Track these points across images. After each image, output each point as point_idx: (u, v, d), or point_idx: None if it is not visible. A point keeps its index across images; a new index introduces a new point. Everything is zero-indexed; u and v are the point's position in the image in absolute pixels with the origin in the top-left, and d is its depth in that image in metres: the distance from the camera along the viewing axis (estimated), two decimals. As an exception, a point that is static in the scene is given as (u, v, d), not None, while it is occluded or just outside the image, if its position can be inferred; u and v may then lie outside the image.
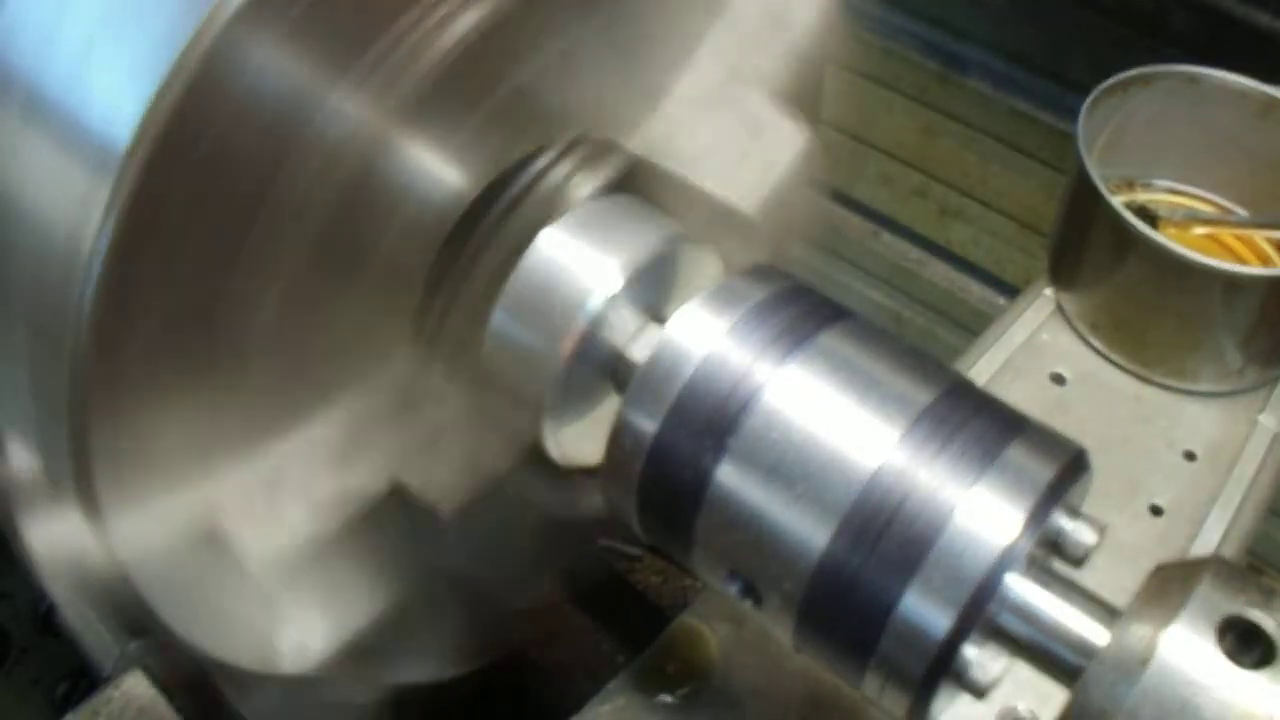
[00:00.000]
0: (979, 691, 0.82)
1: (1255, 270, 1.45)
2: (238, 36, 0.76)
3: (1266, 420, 1.45)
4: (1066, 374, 1.48)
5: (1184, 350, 1.44)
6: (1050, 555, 0.85)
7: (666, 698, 1.12)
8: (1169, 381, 1.47)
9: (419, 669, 1.23)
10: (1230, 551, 1.31)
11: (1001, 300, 2.39)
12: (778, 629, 0.89)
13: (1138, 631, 0.76)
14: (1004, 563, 0.78)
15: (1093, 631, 0.80)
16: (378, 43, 0.85)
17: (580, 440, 1.01)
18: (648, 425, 0.89)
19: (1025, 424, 0.86)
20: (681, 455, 0.88)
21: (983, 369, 1.47)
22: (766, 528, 0.85)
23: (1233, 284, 1.36)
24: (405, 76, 0.87)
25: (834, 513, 0.82)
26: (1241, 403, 1.47)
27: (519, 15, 0.92)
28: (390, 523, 1.08)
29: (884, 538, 0.80)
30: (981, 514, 0.79)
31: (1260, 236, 1.54)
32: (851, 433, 0.84)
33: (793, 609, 0.86)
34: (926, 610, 0.79)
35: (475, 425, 1.06)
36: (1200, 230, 1.55)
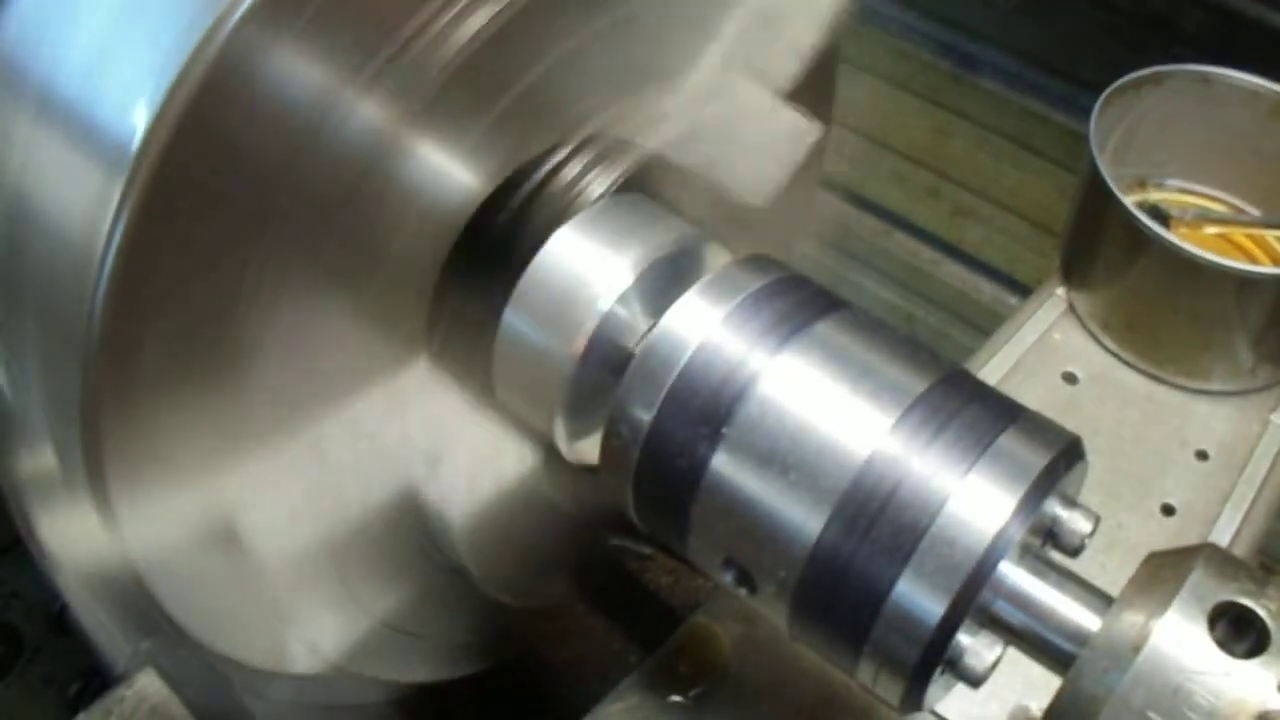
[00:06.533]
0: (974, 680, 0.83)
1: (1267, 269, 1.45)
2: (250, 36, 0.76)
3: (1279, 419, 1.45)
4: (1078, 373, 1.48)
5: (1196, 349, 1.44)
6: (1046, 544, 0.85)
7: (678, 698, 1.12)
8: (1181, 381, 1.47)
9: (430, 668, 1.23)
10: (1242, 551, 1.31)
11: (1014, 300, 2.39)
12: (773, 617, 0.89)
13: (1130, 619, 0.76)
14: (996, 550, 0.79)
15: (1085, 619, 0.80)
16: (390, 42, 0.85)
17: (592, 439, 1.01)
18: (643, 414, 0.89)
19: (1019, 412, 0.86)
20: (676, 443, 0.88)
21: (995, 368, 1.47)
22: (760, 515, 0.85)
23: (1245, 283, 1.36)
24: (417, 76, 0.87)
25: (827, 500, 0.83)
26: (1254, 402, 1.47)
27: (530, 14, 0.92)
28: (402, 523, 1.08)
29: (877, 525, 0.81)
30: (974, 501, 0.80)
31: (1272, 236, 1.54)
32: (845, 420, 0.84)
33: (787, 597, 0.86)
34: (919, 597, 0.79)
35: (486, 426, 1.07)
36: (1212, 230, 1.55)
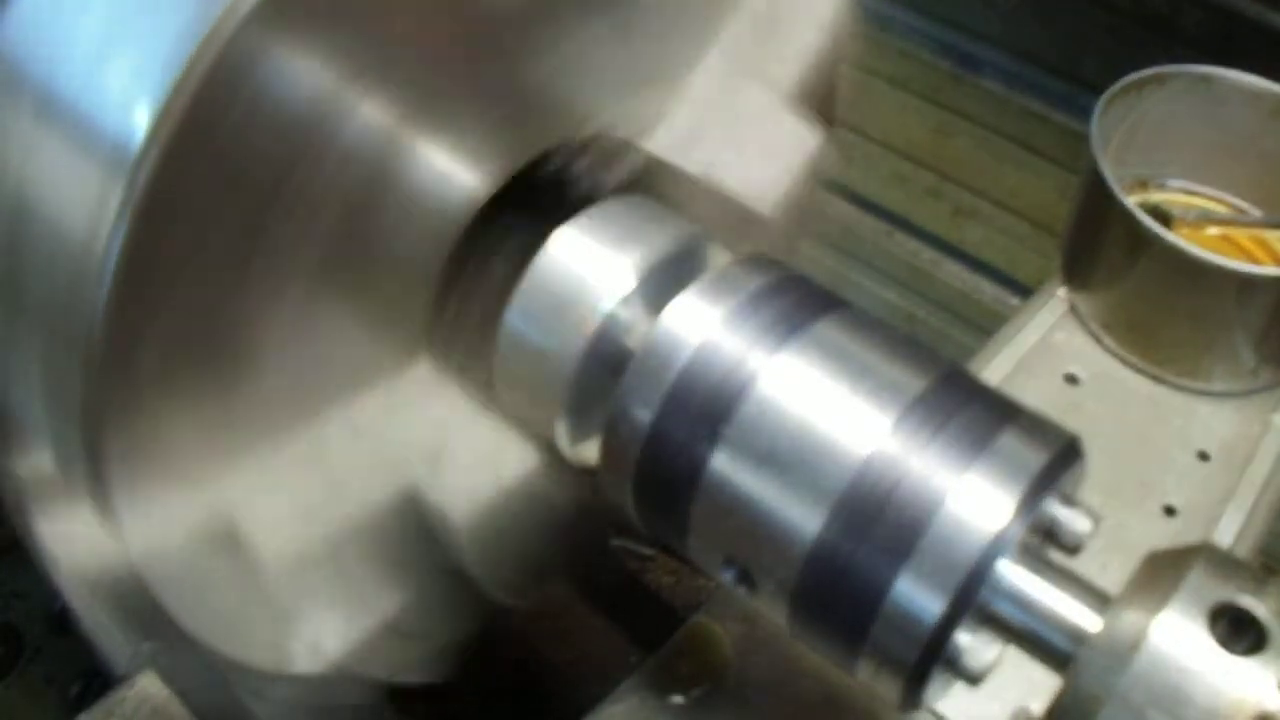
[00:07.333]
0: (973, 679, 0.83)
1: (1269, 270, 1.44)
2: (251, 36, 0.76)
3: (1280, 420, 1.45)
4: (1080, 374, 1.48)
5: (1198, 350, 1.44)
6: (1045, 543, 0.85)
7: (679, 698, 1.12)
8: (1183, 381, 1.47)
9: (430, 669, 1.23)
10: (1244, 551, 1.31)
11: (1015, 300, 2.39)
12: (773, 615, 0.90)
13: (1129, 618, 0.76)
14: (995, 549, 0.79)
15: (1085, 618, 0.80)
16: (391, 42, 0.85)
17: (594, 440, 1.01)
18: (643, 414, 0.89)
19: (1018, 411, 0.86)
20: (676, 443, 0.88)
21: (996, 369, 1.47)
22: (760, 515, 0.85)
23: (1247, 284, 1.36)
24: (418, 76, 0.87)
25: (826, 499, 0.82)
26: (1255, 403, 1.47)
27: (532, 15, 0.92)
28: (403, 524, 1.08)
29: (876, 524, 0.81)
30: (973, 500, 0.79)
31: (1274, 236, 1.54)
32: (844, 420, 0.84)
33: (786, 596, 0.86)
34: (918, 596, 0.79)
35: (488, 427, 1.07)
36: (1214, 230, 1.55)
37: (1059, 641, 0.81)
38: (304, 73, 0.80)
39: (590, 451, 1.01)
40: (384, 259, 0.93)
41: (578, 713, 1.12)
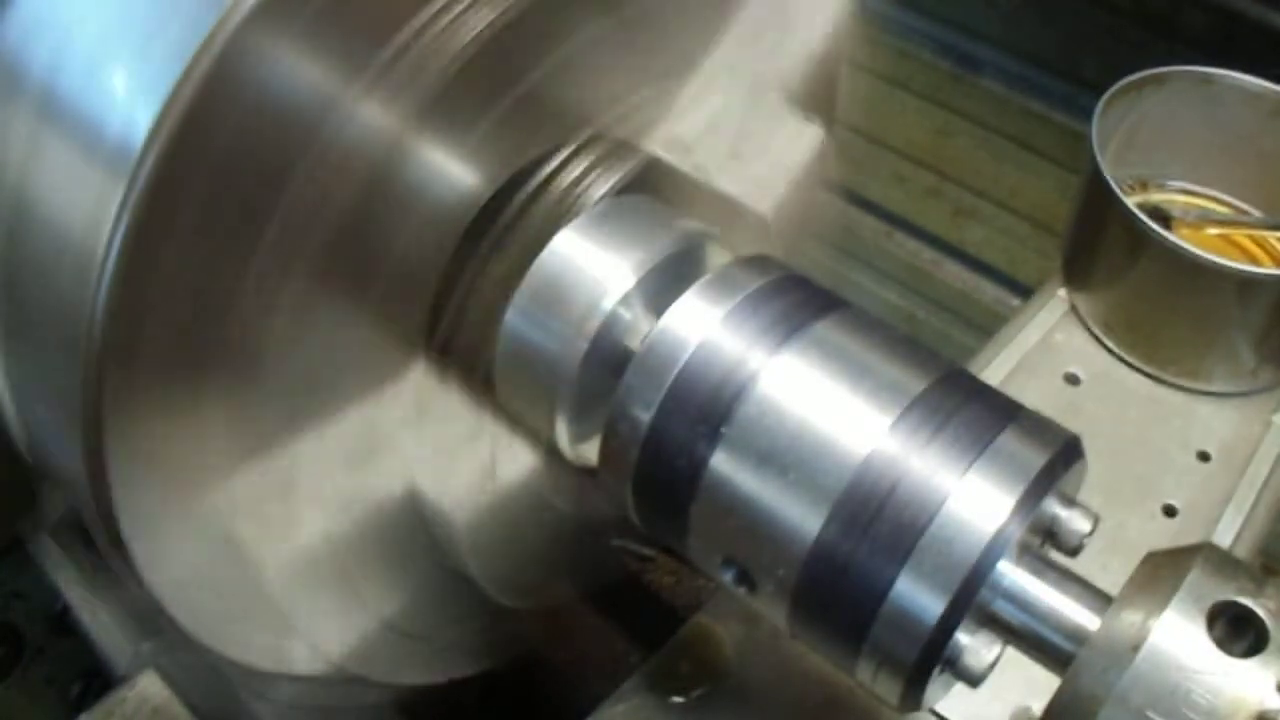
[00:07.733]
0: (972, 679, 0.83)
1: (1269, 270, 1.45)
2: (252, 36, 0.76)
3: (1281, 420, 1.45)
4: (1080, 374, 1.48)
5: (1198, 350, 1.44)
6: (1045, 544, 0.86)
7: (680, 698, 1.12)
8: (1183, 382, 1.47)
9: (432, 670, 1.23)
10: (1243, 552, 1.31)
11: (1015, 300, 2.38)
12: (772, 615, 0.90)
13: (1129, 618, 0.76)
14: (995, 549, 0.79)
15: (1084, 618, 0.81)
16: (392, 42, 0.85)
17: (595, 440, 1.01)
18: (643, 413, 0.89)
19: (1018, 411, 0.86)
20: (676, 443, 0.88)
21: (996, 369, 1.47)
22: (760, 514, 0.85)
23: (1247, 284, 1.36)
24: (419, 76, 0.87)
25: (826, 499, 0.83)
26: (1255, 403, 1.47)
27: (533, 14, 0.92)
28: (404, 525, 1.08)
29: (876, 524, 0.81)
30: (972, 500, 0.80)
31: (1274, 236, 1.54)
32: (844, 420, 0.84)
33: (786, 596, 0.86)
34: (918, 596, 0.79)
35: (489, 428, 1.06)
36: (1214, 231, 1.55)
37: (1059, 641, 0.81)
38: (304, 73, 0.81)
39: (590, 451, 1.01)
40: (384, 259, 0.93)
41: (578, 713, 1.12)
